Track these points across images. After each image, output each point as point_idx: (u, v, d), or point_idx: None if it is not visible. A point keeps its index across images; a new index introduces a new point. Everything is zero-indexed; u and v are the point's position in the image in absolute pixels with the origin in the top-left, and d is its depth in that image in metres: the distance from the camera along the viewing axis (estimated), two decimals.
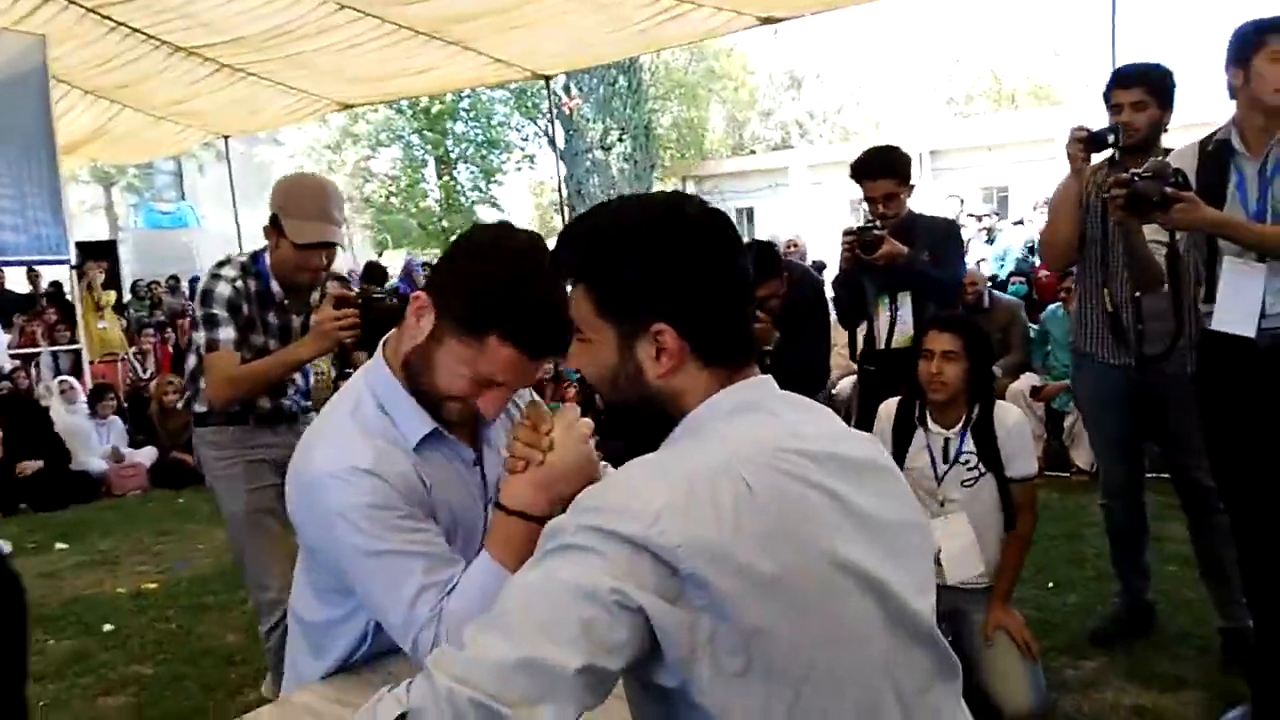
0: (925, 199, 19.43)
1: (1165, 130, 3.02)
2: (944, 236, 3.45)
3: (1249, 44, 2.46)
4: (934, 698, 1.04)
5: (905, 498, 1.12)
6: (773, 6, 7.14)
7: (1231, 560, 2.73)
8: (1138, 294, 2.90)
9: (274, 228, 2.72)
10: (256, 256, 2.80)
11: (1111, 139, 2.85)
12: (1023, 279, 7.24)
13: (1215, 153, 2.54)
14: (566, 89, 20.76)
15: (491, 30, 7.72)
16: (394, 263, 19.29)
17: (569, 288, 1.16)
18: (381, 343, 1.57)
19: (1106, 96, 3.03)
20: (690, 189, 24.14)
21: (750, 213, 23.38)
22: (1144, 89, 2.96)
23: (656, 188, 26.94)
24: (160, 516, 6.60)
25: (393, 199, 21.74)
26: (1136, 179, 2.43)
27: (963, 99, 32.38)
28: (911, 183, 3.44)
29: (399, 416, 1.49)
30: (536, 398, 1.49)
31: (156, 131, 10.30)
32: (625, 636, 0.90)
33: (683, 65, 27.15)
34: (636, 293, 1.08)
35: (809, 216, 19.73)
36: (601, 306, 1.11)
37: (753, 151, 29.29)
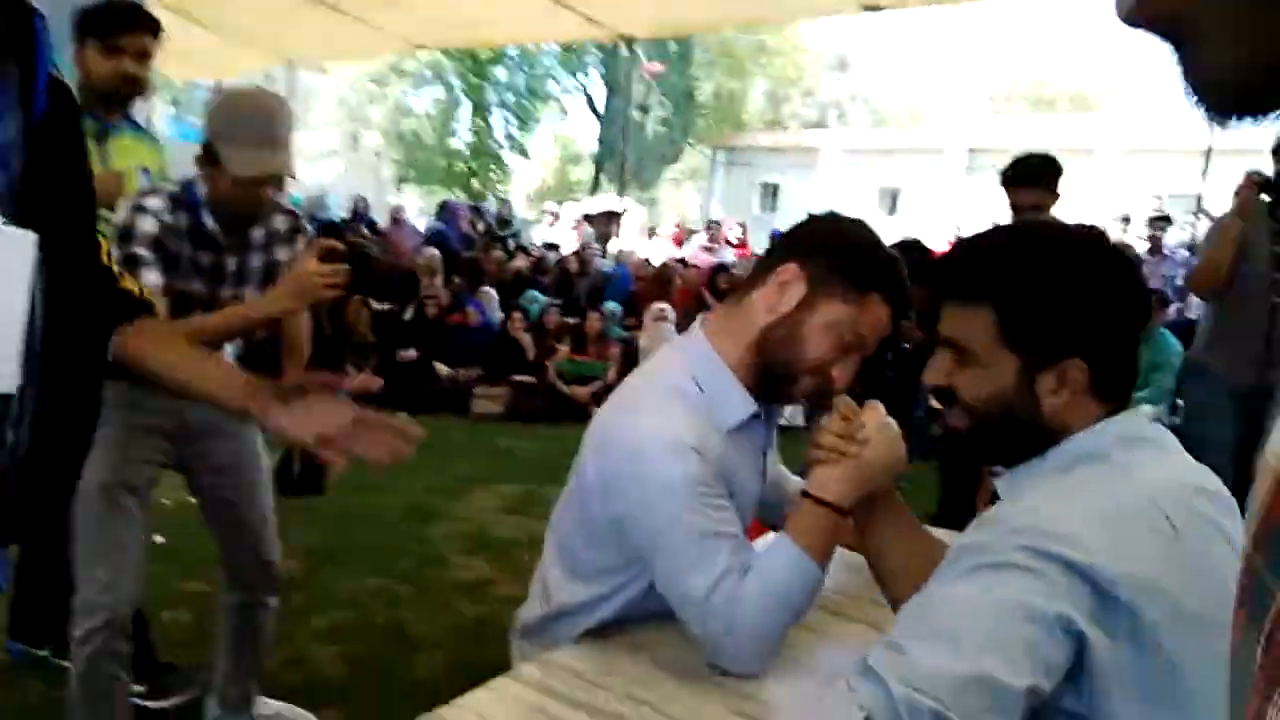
0: (961, 194, 19.40)
1: None
2: None
3: None
4: None
5: None
6: None
7: None
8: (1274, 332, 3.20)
9: (207, 158, 2.17)
10: (188, 185, 2.28)
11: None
12: None
13: None
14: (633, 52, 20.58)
15: None
16: (409, 201, 19.32)
17: (960, 306, 1.13)
18: (700, 319, 1.57)
19: (1276, 151, 3.25)
20: (721, 158, 24.02)
21: (776, 189, 23.27)
22: None
23: (688, 154, 26.88)
24: None
25: (425, 137, 21.62)
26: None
27: (1003, 99, 32.17)
28: (1058, 194, 3.39)
29: (720, 397, 1.48)
30: (845, 396, 1.48)
31: (221, 55, 10.14)
32: (1063, 660, 0.91)
33: (734, 36, 26.89)
34: (1056, 328, 1.07)
35: (836, 199, 19.66)
36: (1008, 335, 1.08)
37: (786, 128, 29.10)
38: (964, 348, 1.12)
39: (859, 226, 1.51)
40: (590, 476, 1.48)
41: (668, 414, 1.42)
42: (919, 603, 0.97)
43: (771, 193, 23.33)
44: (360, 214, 11.40)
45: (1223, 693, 0.93)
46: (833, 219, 1.53)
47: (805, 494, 1.39)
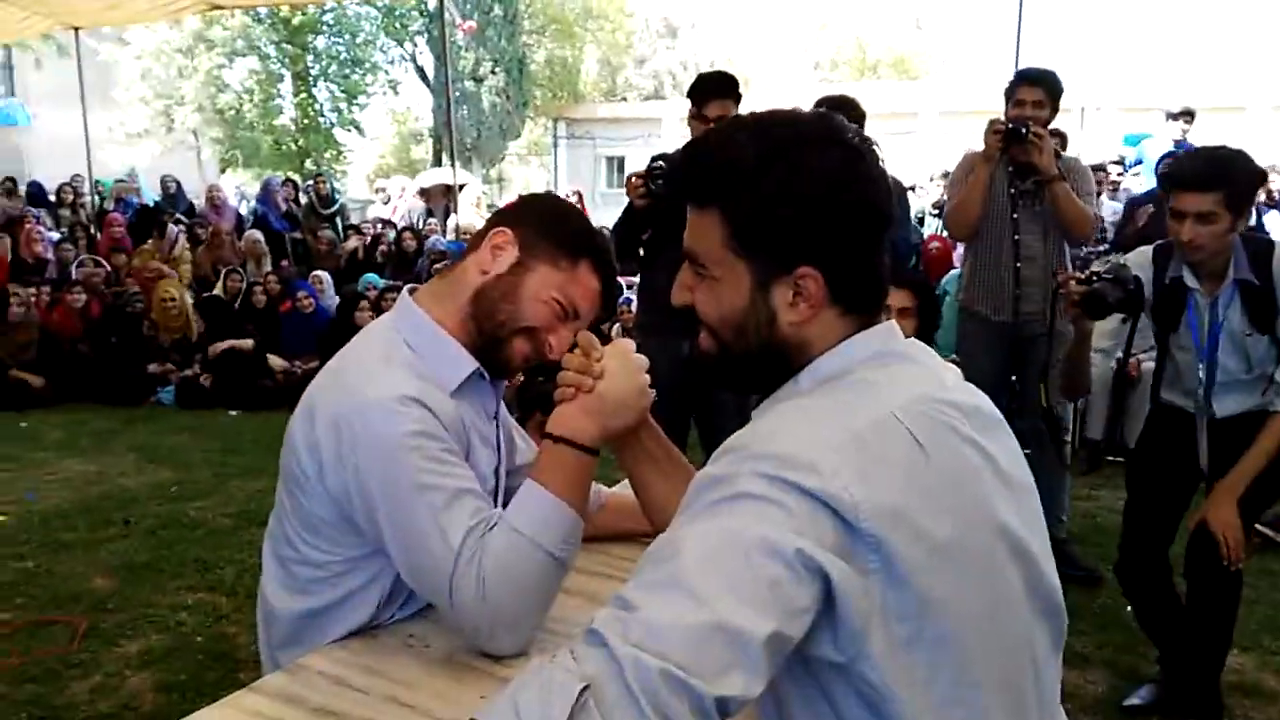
0: None
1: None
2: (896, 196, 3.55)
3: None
4: (1051, 671, 1.01)
5: (1021, 456, 1.06)
6: None
7: None
8: (1018, 265, 3.59)
9: None
10: None
11: (1024, 132, 3.47)
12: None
13: (1171, 286, 2.60)
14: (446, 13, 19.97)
15: None
16: (235, 183, 18.22)
17: (694, 212, 1.03)
18: (407, 289, 1.53)
19: (1009, 93, 3.62)
20: (562, 130, 23.79)
21: (621, 161, 23.25)
22: (1044, 90, 3.56)
23: (528, 126, 26.48)
24: (2, 439, 6.04)
25: (246, 113, 20.40)
26: (1095, 279, 2.52)
27: (828, 65, 33.03)
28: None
29: (437, 359, 1.40)
30: (587, 333, 1.41)
31: None
32: (808, 601, 0.82)
33: (559, 2, 26.54)
34: (787, 232, 0.96)
35: None
36: (739, 242, 0.99)
37: (624, 99, 29.06)
38: (700, 259, 1.03)
39: (568, 203, 1.59)
40: (304, 462, 1.34)
41: (380, 375, 1.33)
42: (654, 548, 0.85)
43: (617, 166, 23.27)
44: (173, 197, 10.65)
45: (984, 632, 0.90)
46: (547, 195, 1.57)
47: (544, 434, 1.32)
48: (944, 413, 0.95)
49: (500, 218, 1.49)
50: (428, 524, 1.26)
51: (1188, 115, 7.40)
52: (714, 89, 3.47)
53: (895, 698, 0.87)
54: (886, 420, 0.91)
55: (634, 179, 3.52)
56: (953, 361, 2.40)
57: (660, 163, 3.48)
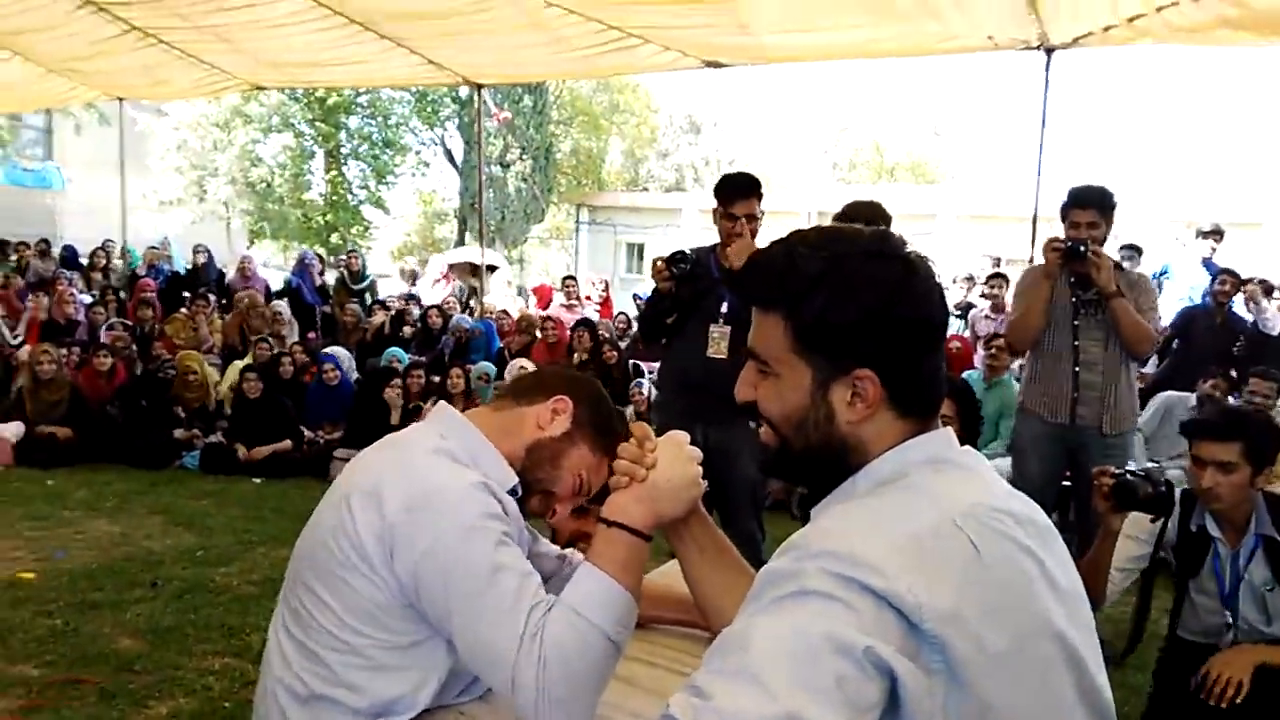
0: None
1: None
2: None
3: None
4: None
5: (1072, 565, 1.11)
6: (718, 53, 7.27)
7: None
8: (1077, 369, 3.76)
9: None
10: None
11: (1081, 250, 3.64)
12: None
13: (1195, 533, 2.69)
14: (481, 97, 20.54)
15: (428, 32, 7.55)
16: (261, 255, 18.55)
17: (759, 314, 1.11)
18: (439, 405, 1.68)
19: (1063, 214, 3.80)
20: (585, 217, 24.20)
21: (641, 249, 23.58)
22: (1096, 210, 3.72)
23: (552, 212, 26.98)
24: (30, 498, 6.07)
25: (277, 188, 20.85)
26: (1128, 475, 2.61)
27: (846, 166, 33.71)
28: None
29: (489, 466, 1.52)
30: (642, 424, 1.49)
31: (42, 85, 9.58)
32: (875, 698, 0.86)
33: (587, 94, 27.29)
34: (846, 335, 1.04)
35: None
36: (802, 343, 1.06)
37: (646, 189, 29.63)
38: (764, 358, 1.10)
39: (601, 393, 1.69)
40: (364, 545, 1.38)
41: (441, 467, 1.42)
42: (723, 639, 0.90)
43: (636, 253, 23.59)
44: (205, 265, 10.80)
45: None
46: (593, 380, 1.71)
47: (600, 519, 1.38)
48: (1000, 521, 0.99)
49: (558, 384, 1.63)
50: (499, 602, 1.30)
51: (1217, 234, 7.61)
52: (741, 188, 3.65)
53: None
54: (946, 526, 0.95)
55: (659, 264, 3.72)
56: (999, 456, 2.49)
57: (684, 250, 3.72)
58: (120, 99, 10.32)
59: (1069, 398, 3.77)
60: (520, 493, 1.56)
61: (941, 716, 0.90)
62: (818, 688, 0.83)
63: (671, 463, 1.38)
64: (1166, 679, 2.76)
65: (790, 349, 1.07)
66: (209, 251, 11.16)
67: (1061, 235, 3.76)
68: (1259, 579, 2.60)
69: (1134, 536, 2.82)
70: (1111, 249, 3.94)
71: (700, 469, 1.42)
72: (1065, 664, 0.98)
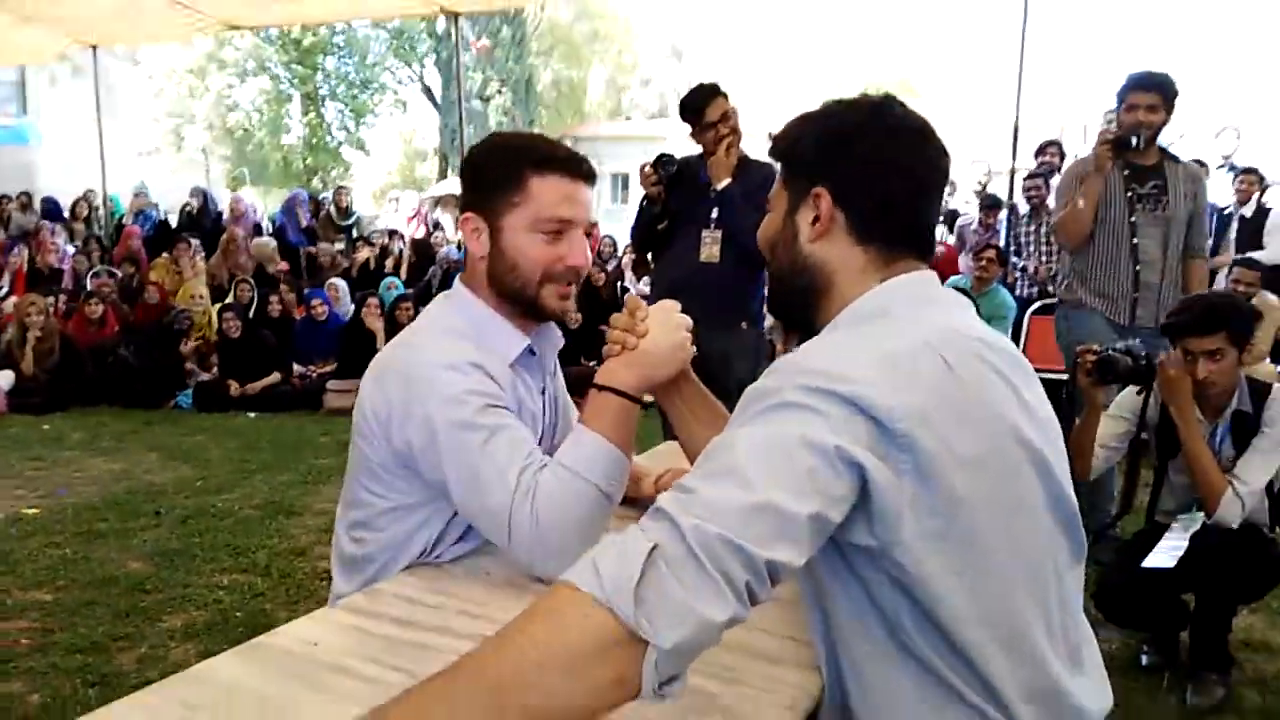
0: None
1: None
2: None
3: None
4: (1072, 579, 1.12)
5: (1047, 402, 1.17)
6: None
7: None
8: (1137, 269, 3.62)
9: None
10: None
11: (1134, 142, 3.51)
12: None
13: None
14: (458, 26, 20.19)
15: None
16: (249, 200, 18.37)
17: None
18: (458, 280, 1.64)
19: (1121, 97, 3.62)
20: None
21: (626, 179, 23.44)
22: (1159, 94, 3.56)
23: None
24: (27, 442, 6.14)
25: (255, 132, 20.62)
26: (1110, 350, 2.72)
27: (832, 86, 33.31)
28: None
29: (494, 336, 1.55)
30: (634, 296, 1.52)
31: (19, 35, 9.40)
32: (845, 490, 0.93)
33: (567, 23, 26.83)
34: (812, 160, 1.16)
35: None
36: (784, 176, 1.21)
37: (629, 118, 29.29)
38: (768, 201, 1.24)
39: (494, 139, 1.61)
40: (369, 418, 1.48)
41: (443, 344, 1.48)
42: (709, 448, 0.97)
43: (621, 183, 23.44)
44: (203, 208, 10.69)
45: (1009, 532, 1.01)
46: (474, 149, 1.62)
47: (594, 384, 1.43)
48: (974, 345, 1.06)
49: (462, 204, 1.59)
50: (487, 465, 1.36)
51: (1235, 131, 7.54)
52: (699, 99, 3.67)
53: (927, 583, 0.98)
54: (920, 346, 1.01)
55: (646, 168, 3.75)
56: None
57: (669, 153, 3.75)
58: (94, 46, 10.15)
59: (1129, 298, 3.64)
60: (536, 350, 1.60)
61: (910, 509, 0.96)
62: (792, 481, 0.91)
63: (660, 329, 1.44)
64: (1128, 554, 2.85)
65: (781, 185, 1.21)
66: (205, 193, 11.05)
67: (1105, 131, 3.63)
68: (1227, 456, 2.71)
69: (1118, 416, 2.91)
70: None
71: (688, 335, 1.48)
72: (1033, 469, 1.05)
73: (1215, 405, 2.74)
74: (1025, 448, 1.04)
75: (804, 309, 1.19)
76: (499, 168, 1.52)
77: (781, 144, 1.22)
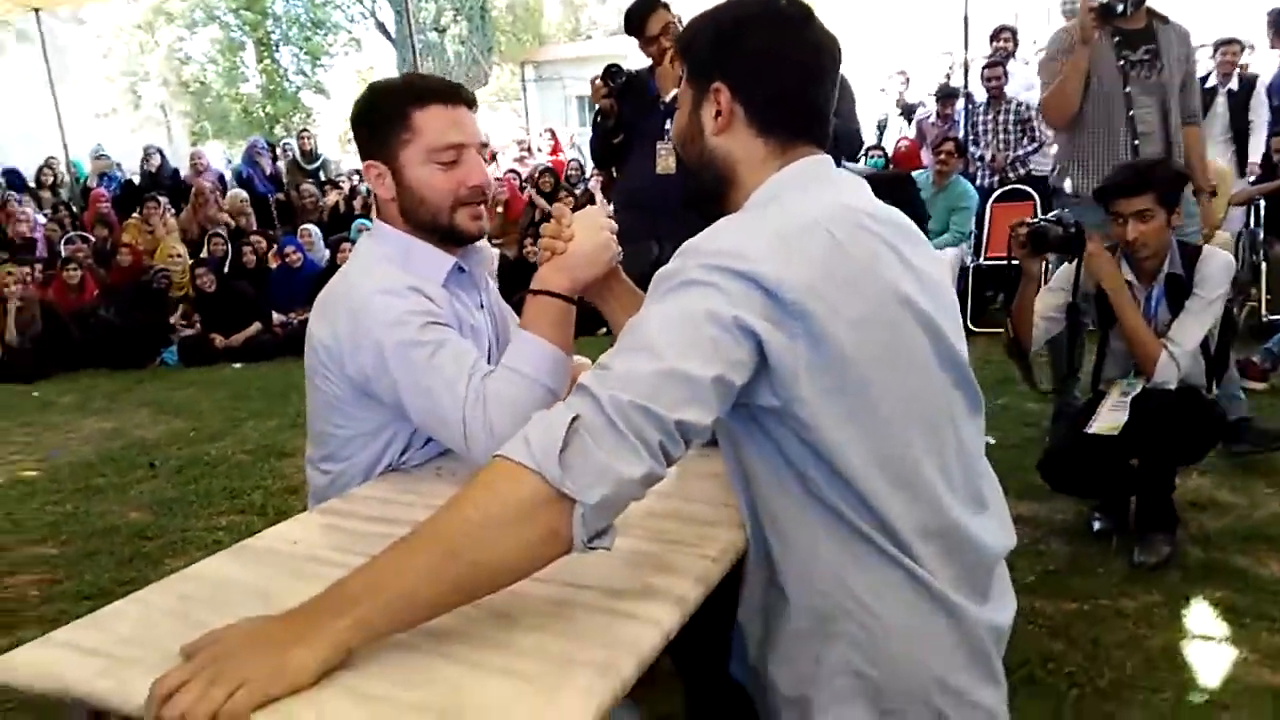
0: None
1: None
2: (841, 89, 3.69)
3: None
4: (970, 429, 1.23)
5: (942, 265, 1.28)
6: None
7: None
8: (1135, 142, 3.41)
9: None
10: None
11: (1120, 8, 3.32)
12: (879, 152, 7.58)
13: None
14: None
15: None
16: (212, 154, 18.11)
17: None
18: (375, 219, 1.73)
19: None
20: (530, 74, 23.62)
21: (589, 101, 23.14)
22: None
23: (495, 73, 26.27)
24: (18, 409, 6.25)
25: (212, 84, 20.25)
26: (1041, 221, 2.78)
27: None
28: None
29: (420, 262, 1.63)
30: (560, 205, 1.62)
31: None
32: (745, 355, 1.05)
33: None
34: (707, 57, 1.23)
35: None
36: (686, 74, 1.27)
37: (589, 37, 28.75)
38: (680, 103, 1.31)
39: (378, 84, 1.69)
40: (321, 354, 1.58)
41: (378, 274, 1.57)
42: (626, 328, 1.08)
43: (588, 105, 23.10)
44: (159, 167, 10.59)
45: (901, 384, 1.12)
46: (360, 96, 1.68)
47: (529, 290, 1.53)
48: (860, 217, 1.15)
49: (361, 154, 1.67)
50: (436, 378, 1.47)
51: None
52: (648, 7, 3.67)
53: (825, 433, 1.09)
54: (809, 223, 1.11)
55: (595, 82, 3.77)
56: None
57: (618, 64, 3.78)
58: (36, 9, 9.94)
59: None
60: (466, 267, 1.70)
61: (806, 372, 1.07)
62: (696, 349, 1.02)
63: (585, 233, 1.52)
64: (1072, 423, 2.99)
65: (685, 82, 1.27)
66: (160, 151, 10.95)
67: None
68: (1163, 320, 2.82)
69: (1056, 288, 3.01)
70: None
71: (612, 235, 1.56)
72: (919, 327, 1.15)
73: (1148, 270, 2.84)
74: (911, 309, 1.14)
75: (715, 200, 1.27)
76: (383, 111, 1.61)
77: (681, 42, 1.30)
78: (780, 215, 1.14)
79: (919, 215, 3.25)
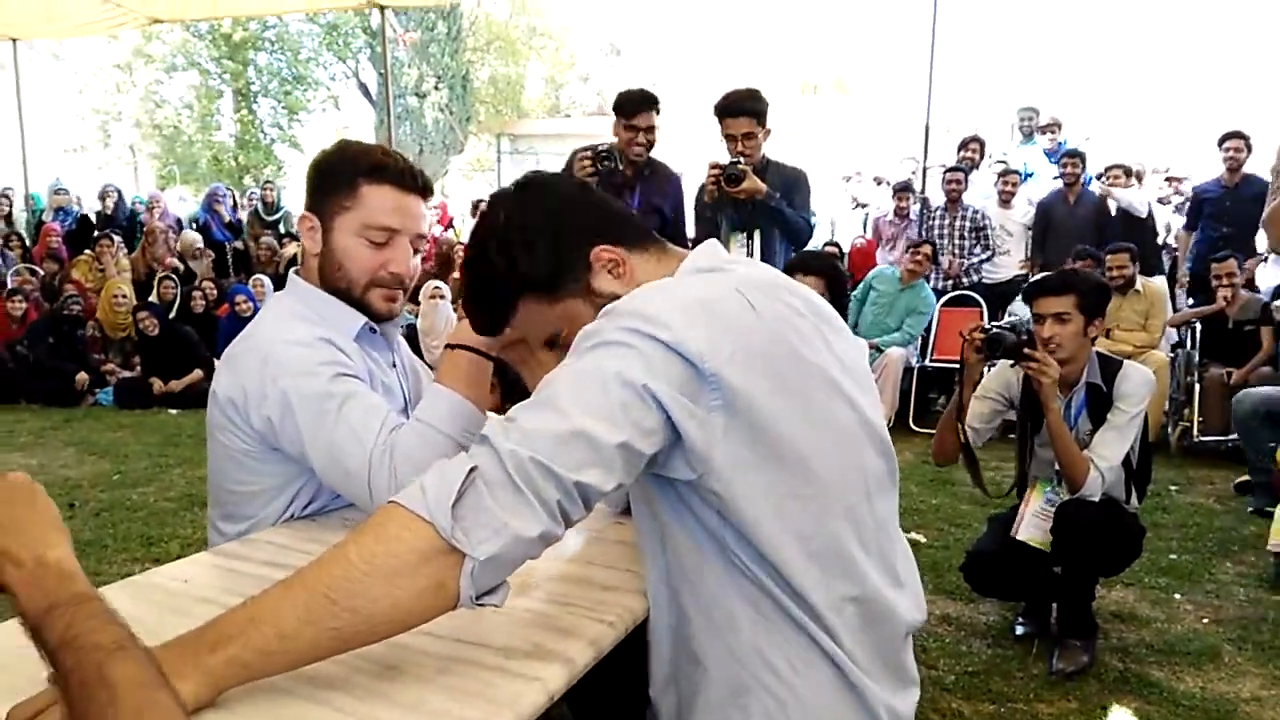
0: None
1: None
2: (794, 182, 3.77)
3: None
4: (886, 499, 1.23)
5: (860, 350, 1.29)
6: None
7: None
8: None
9: None
10: None
11: None
12: (834, 248, 7.61)
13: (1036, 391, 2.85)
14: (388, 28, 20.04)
15: None
16: (175, 199, 18.03)
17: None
18: (292, 273, 1.72)
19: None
20: (506, 146, 23.93)
21: None
22: None
23: (472, 143, 26.58)
24: None
25: (185, 129, 20.24)
26: (995, 328, 2.84)
27: (769, 83, 33.61)
28: (769, 126, 3.79)
29: (333, 317, 1.63)
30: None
31: None
32: (654, 424, 1.03)
33: (504, 19, 26.74)
34: (546, 261, 1.22)
35: None
36: (523, 295, 1.24)
37: (568, 115, 29.26)
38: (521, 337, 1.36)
39: (339, 146, 1.66)
40: (225, 407, 1.55)
41: (289, 324, 1.57)
42: (540, 384, 1.06)
43: None
44: (115, 208, 10.49)
45: (817, 453, 1.12)
46: (321, 153, 1.68)
47: (447, 344, 1.52)
48: (775, 290, 1.16)
49: (305, 204, 1.66)
50: (343, 430, 1.45)
51: (1055, 127, 7.90)
52: (640, 103, 3.87)
53: (740, 505, 1.08)
54: (727, 292, 1.12)
55: (585, 157, 3.79)
56: None
57: (611, 149, 3.84)
58: (14, 40, 9.95)
59: None
60: (376, 327, 1.68)
61: (722, 444, 1.06)
62: (604, 411, 1.00)
63: None
64: (997, 526, 3.02)
65: (521, 308, 1.25)
66: (119, 191, 10.87)
67: None
68: (1084, 430, 2.87)
69: (983, 396, 3.05)
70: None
71: None
72: (841, 400, 1.15)
73: (1067, 379, 2.86)
74: (826, 379, 1.14)
75: None
76: (337, 172, 1.60)
77: (516, 285, 1.25)
78: (700, 284, 1.15)
79: (842, 305, 3.24)
